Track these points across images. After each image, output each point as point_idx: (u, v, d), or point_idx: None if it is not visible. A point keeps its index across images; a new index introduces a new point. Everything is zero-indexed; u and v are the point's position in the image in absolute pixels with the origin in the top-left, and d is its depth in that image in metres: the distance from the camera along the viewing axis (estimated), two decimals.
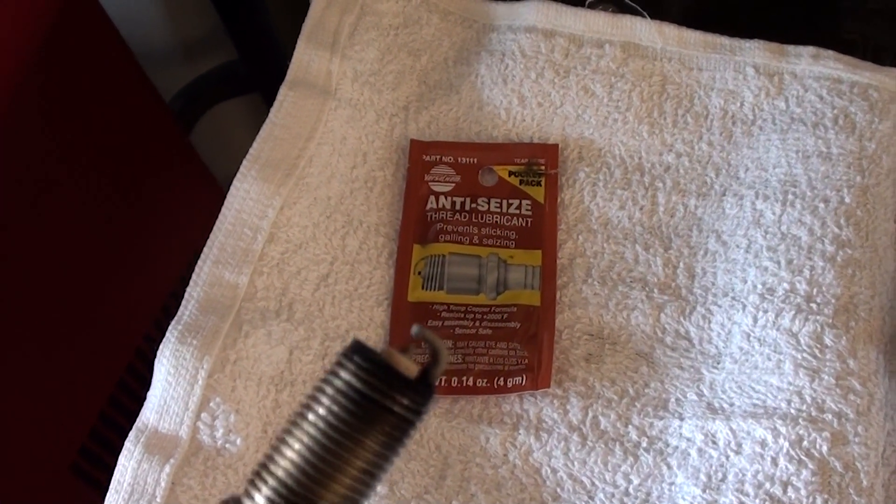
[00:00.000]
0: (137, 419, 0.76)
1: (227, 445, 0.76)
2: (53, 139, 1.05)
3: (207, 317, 0.79)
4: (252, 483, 0.28)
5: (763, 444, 0.72)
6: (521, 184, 0.88)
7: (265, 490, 0.27)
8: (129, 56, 1.18)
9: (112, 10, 1.13)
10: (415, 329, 0.27)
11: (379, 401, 0.27)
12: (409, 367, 0.28)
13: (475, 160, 0.89)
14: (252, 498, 0.27)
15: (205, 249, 0.82)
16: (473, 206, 0.87)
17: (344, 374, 0.27)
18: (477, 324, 0.82)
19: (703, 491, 0.72)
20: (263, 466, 0.28)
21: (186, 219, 0.80)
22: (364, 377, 0.27)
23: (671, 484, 0.74)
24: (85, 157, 1.12)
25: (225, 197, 0.84)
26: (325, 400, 0.27)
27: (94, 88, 1.12)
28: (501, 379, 0.79)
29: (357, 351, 0.28)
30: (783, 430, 0.72)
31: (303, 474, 0.26)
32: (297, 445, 0.27)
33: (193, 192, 1.28)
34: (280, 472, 0.27)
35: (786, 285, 0.78)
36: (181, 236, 0.80)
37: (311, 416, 0.27)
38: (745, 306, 0.79)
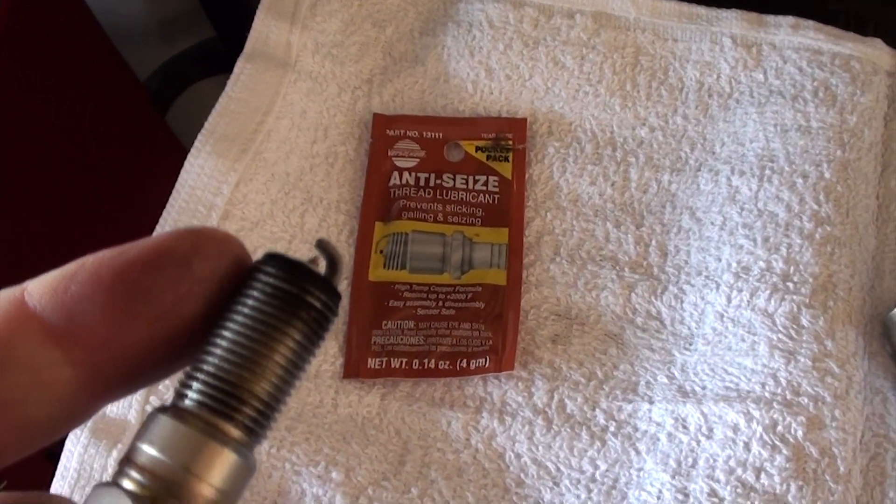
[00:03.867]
0: None
1: None
2: (24, 122, 1.03)
3: None
4: (182, 383, 0.29)
5: (735, 428, 0.70)
6: (487, 159, 0.85)
7: (196, 385, 0.28)
8: (102, 35, 1.16)
9: None
10: (318, 241, 0.31)
11: (299, 295, 0.29)
12: (317, 270, 0.30)
13: (441, 135, 0.86)
14: (184, 396, 0.29)
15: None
16: (438, 182, 0.84)
17: (264, 277, 0.29)
18: (440, 304, 0.79)
19: (673, 477, 0.69)
20: (192, 367, 0.29)
21: (163, 199, 0.79)
22: (284, 276, 0.29)
23: (639, 470, 0.71)
24: (58, 138, 1.10)
25: None
26: (247, 301, 0.29)
27: (66, 68, 1.11)
28: (464, 361, 0.76)
29: (274, 256, 0.30)
30: (756, 414, 0.70)
31: (232, 365, 0.28)
32: (224, 343, 0.29)
33: (170, 172, 1.26)
34: (210, 367, 0.28)
35: (762, 264, 0.76)
36: (157, 216, 0.79)
37: (235, 317, 0.29)
38: (718, 285, 0.76)
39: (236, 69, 0.87)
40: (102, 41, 1.17)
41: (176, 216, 0.80)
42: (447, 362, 0.77)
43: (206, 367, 0.29)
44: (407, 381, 0.77)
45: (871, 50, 0.85)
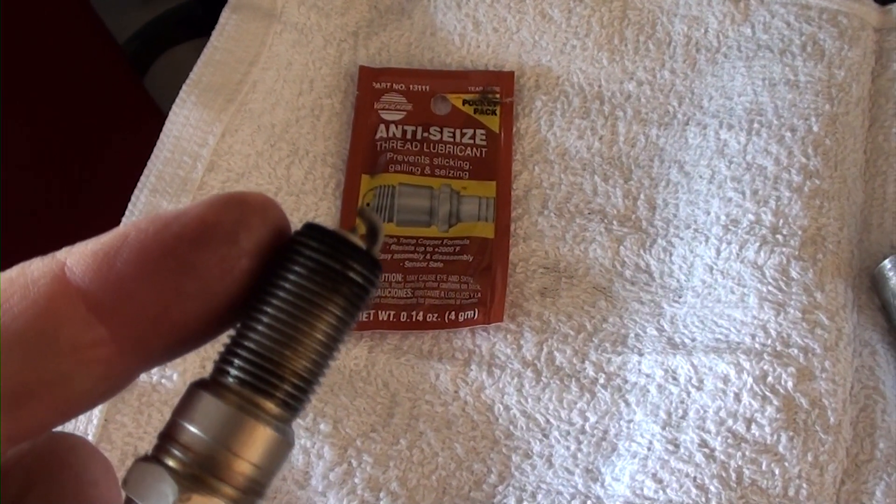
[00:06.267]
0: None
1: (162, 381, 0.73)
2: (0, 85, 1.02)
3: None
4: (223, 359, 0.29)
5: (726, 379, 0.69)
6: (475, 112, 0.85)
7: (237, 362, 0.29)
8: None
9: None
10: (359, 209, 0.29)
11: (341, 271, 0.29)
12: (358, 241, 0.30)
13: (427, 88, 0.86)
14: (225, 373, 0.29)
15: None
16: (425, 135, 0.84)
17: (305, 251, 0.29)
18: (428, 257, 0.79)
19: (663, 428, 0.69)
20: (233, 342, 0.29)
21: (140, 163, 0.78)
22: (325, 250, 0.29)
23: (629, 421, 0.71)
24: (34, 101, 1.09)
25: None
26: (289, 275, 0.29)
27: (43, 30, 1.09)
28: (453, 313, 0.76)
29: (315, 228, 0.29)
30: (747, 365, 0.69)
31: (274, 342, 0.28)
32: (265, 319, 0.29)
33: (147, 136, 1.26)
34: (251, 345, 0.28)
35: (751, 216, 0.75)
36: (134, 181, 0.78)
37: (276, 291, 0.29)
38: (707, 238, 0.76)
39: (221, 19, 0.86)
40: (81, 3, 1.16)
41: (161, 167, 0.79)
42: (435, 315, 0.76)
43: (247, 343, 0.29)
44: (395, 334, 0.77)
45: (859, 5, 0.85)
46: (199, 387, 0.29)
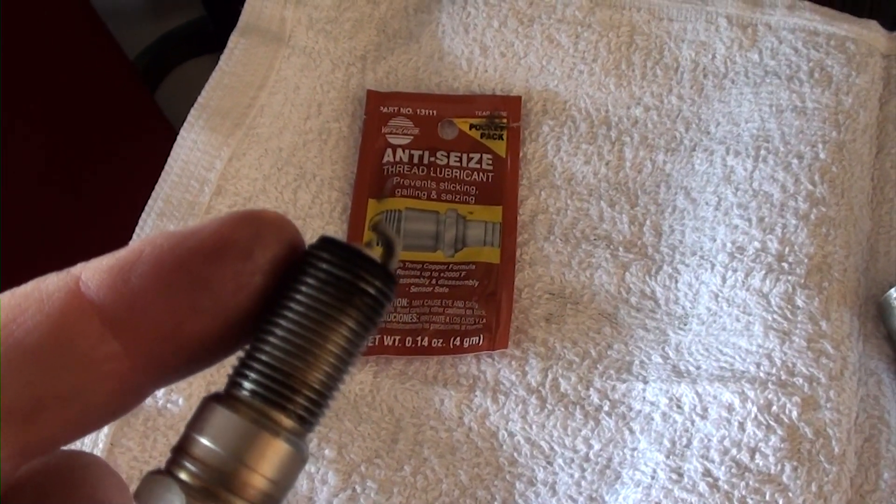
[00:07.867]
0: None
1: (168, 405, 0.73)
2: (12, 99, 1.02)
3: None
4: (237, 372, 0.29)
5: (730, 408, 0.69)
6: (482, 137, 0.85)
7: (251, 374, 0.29)
8: (92, 12, 1.15)
9: None
10: (373, 224, 0.29)
11: (353, 282, 0.29)
12: (373, 255, 0.30)
13: (435, 112, 0.86)
14: (239, 385, 0.29)
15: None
16: (432, 159, 0.84)
17: (318, 263, 0.29)
18: (433, 282, 0.79)
19: (667, 457, 0.69)
20: (247, 355, 0.29)
21: (150, 178, 0.79)
22: (339, 262, 0.29)
23: (633, 449, 0.71)
24: (47, 115, 1.09)
25: None
26: (302, 288, 0.29)
27: (56, 46, 1.09)
28: (458, 339, 0.76)
29: (329, 241, 0.29)
30: (751, 394, 0.69)
31: (287, 355, 0.28)
32: (279, 332, 0.29)
33: (158, 151, 1.26)
34: (265, 357, 0.29)
35: (756, 244, 0.75)
36: (146, 196, 0.79)
37: (290, 304, 0.29)
38: (713, 265, 0.76)
39: (230, 43, 0.86)
40: (93, 19, 1.16)
41: (168, 190, 0.79)
42: (440, 340, 0.76)
43: (260, 356, 0.29)
44: (400, 359, 0.77)
45: (867, 31, 0.85)
46: (212, 400, 0.29)
